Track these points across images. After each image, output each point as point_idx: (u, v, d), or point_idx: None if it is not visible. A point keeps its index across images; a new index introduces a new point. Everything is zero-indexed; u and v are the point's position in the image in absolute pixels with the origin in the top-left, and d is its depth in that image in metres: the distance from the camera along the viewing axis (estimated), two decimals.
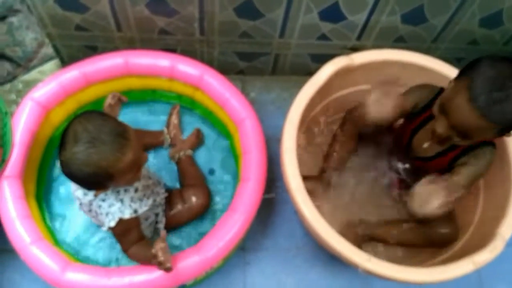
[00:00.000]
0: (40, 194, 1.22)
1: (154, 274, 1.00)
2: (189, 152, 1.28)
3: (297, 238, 1.28)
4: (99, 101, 1.28)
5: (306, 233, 1.28)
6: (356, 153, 1.27)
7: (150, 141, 1.30)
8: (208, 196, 1.22)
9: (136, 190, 1.03)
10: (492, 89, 0.85)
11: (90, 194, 1.00)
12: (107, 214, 0.99)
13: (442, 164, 1.08)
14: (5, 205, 1.04)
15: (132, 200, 1.01)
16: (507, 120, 0.87)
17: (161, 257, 0.93)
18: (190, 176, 1.25)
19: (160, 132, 1.31)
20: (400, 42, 1.34)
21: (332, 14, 1.22)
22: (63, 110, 1.23)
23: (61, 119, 1.24)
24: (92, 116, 0.89)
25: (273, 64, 1.44)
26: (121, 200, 0.99)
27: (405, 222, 1.21)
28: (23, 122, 1.11)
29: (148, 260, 0.96)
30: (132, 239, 1.02)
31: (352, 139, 1.24)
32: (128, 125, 0.92)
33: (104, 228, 1.01)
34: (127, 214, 0.99)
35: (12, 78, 1.39)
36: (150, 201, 1.07)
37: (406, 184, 1.22)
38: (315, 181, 1.23)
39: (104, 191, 0.98)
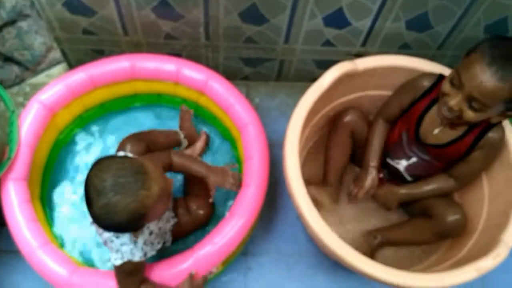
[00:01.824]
0: (44, 196, 1.22)
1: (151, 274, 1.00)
2: (198, 158, 1.28)
3: (300, 244, 1.28)
4: (105, 104, 1.30)
5: (309, 239, 1.27)
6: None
7: (168, 141, 1.28)
8: (213, 207, 1.22)
9: (150, 233, 1.02)
10: (507, 53, 0.92)
11: None
12: (117, 251, 0.95)
13: (459, 150, 1.08)
14: (12, 209, 1.05)
15: (145, 243, 0.99)
16: None
17: None
18: (196, 185, 1.24)
19: (175, 131, 1.30)
20: (405, 49, 1.34)
21: (337, 20, 1.22)
22: (69, 112, 1.24)
23: (67, 121, 1.26)
24: (104, 165, 0.85)
25: (278, 70, 1.44)
26: (135, 242, 0.96)
27: (412, 220, 1.22)
28: (29, 124, 1.12)
29: None
30: (135, 281, 0.98)
31: (346, 148, 1.26)
32: (142, 158, 0.90)
33: (109, 263, 0.98)
34: (137, 257, 0.96)
35: (20, 81, 1.41)
36: (159, 246, 1.06)
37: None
38: (322, 191, 1.26)
39: (141, 231, 0.95)
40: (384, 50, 1.33)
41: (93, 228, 1.06)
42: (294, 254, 1.27)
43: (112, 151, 1.29)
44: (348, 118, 1.23)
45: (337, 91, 1.19)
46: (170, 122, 1.36)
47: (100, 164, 0.85)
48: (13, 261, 1.19)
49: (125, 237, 0.95)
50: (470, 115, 0.97)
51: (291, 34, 1.27)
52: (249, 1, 1.15)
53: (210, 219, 1.21)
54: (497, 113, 0.98)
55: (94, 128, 1.34)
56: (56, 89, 1.17)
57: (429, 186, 1.17)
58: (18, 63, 1.38)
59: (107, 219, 0.83)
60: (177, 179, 1.29)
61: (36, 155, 1.15)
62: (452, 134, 1.08)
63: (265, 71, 1.44)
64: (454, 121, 1.02)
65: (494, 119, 1.00)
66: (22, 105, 1.36)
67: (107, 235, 0.96)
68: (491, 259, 0.97)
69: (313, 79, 1.14)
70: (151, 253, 1.02)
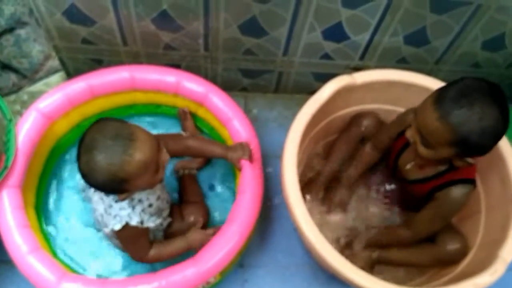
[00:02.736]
0: (39, 205, 1.21)
1: (151, 285, 0.99)
2: (194, 171, 1.29)
3: (297, 256, 1.27)
4: (103, 113, 1.29)
5: (306, 251, 1.27)
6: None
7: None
8: (207, 215, 1.22)
9: (150, 205, 1.04)
10: (458, 95, 0.88)
11: None
12: (115, 216, 0.99)
13: (422, 191, 1.09)
14: (4, 215, 1.04)
15: (143, 211, 1.01)
16: (466, 128, 0.87)
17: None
18: (191, 193, 1.26)
19: (179, 133, 1.31)
20: (403, 63, 1.35)
21: (335, 34, 1.23)
22: (67, 121, 1.23)
23: (65, 130, 1.25)
24: (100, 125, 0.90)
25: (276, 82, 1.45)
26: (133, 207, 1.00)
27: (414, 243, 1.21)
28: (25, 132, 1.11)
29: (176, 251, 1.05)
30: (143, 245, 1.04)
31: (352, 147, 1.26)
32: (136, 126, 0.92)
33: (107, 230, 1.01)
34: (134, 222, 0.99)
35: (17, 89, 1.40)
36: (158, 221, 1.07)
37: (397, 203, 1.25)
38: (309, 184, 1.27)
39: (127, 196, 0.96)
40: (382, 64, 1.34)
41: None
42: (290, 266, 1.26)
43: None
44: (365, 122, 1.23)
45: (335, 105, 1.19)
46: (167, 132, 1.35)
47: (97, 124, 0.90)
48: (7, 272, 1.18)
49: (124, 202, 0.98)
50: (421, 149, 0.96)
51: (290, 47, 1.28)
52: (249, 14, 1.16)
53: (205, 227, 1.21)
54: (450, 155, 0.95)
55: None
56: (55, 98, 1.16)
57: (388, 237, 1.19)
58: (15, 71, 1.38)
59: (90, 175, 0.88)
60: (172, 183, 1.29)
61: (32, 163, 1.14)
62: (419, 174, 1.08)
63: (264, 82, 1.45)
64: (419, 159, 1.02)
65: (456, 162, 0.98)
66: (20, 113, 1.35)
67: (107, 201, 0.99)
68: (488, 275, 0.97)
69: (311, 91, 1.15)
70: (148, 223, 1.02)
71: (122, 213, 0.98)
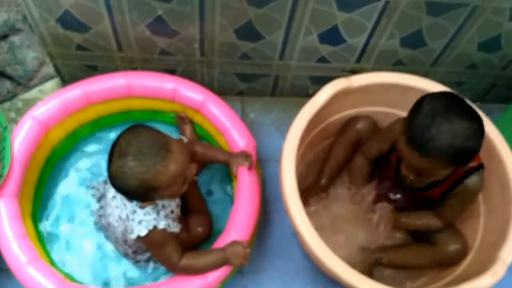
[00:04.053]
0: (36, 214, 1.20)
1: None
2: (195, 177, 1.28)
3: (296, 261, 1.27)
4: (99, 120, 1.29)
5: (305, 256, 1.27)
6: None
7: None
8: (211, 226, 1.22)
9: (172, 212, 1.04)
10: (424, 128, 0.89)
11: None
12: (140, 222, 0.97)
13: (433, 195, 1.10)
14: (1, 225, 1.03)
15: (166, 216, 1.01)
16: (446, 153, 0.90)
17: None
18: (194, 202, 1.24)
19: (179, 138, 1.31)
20: (399, 66, 1.35)
21: (332, 37, 1.23)
22: (63, 128, 1.23)
23: (60, 137, 1.24)
24: (136, 130, 0.91)
25: (273, 85, 1.44)
26: (157, 212, 0.99)
27: (413, 244, 1.23)
28: (21, 141, 1.10)
29: (211, 264, 1.00)
30: (174, 249, 1.01)
31: (349, 151, 1.26)
32: (172, 138, 0.93)
33: (133, 236, 0.98)
34: (162, 225, 0.98)
35: (12, 96, 1.39)
36: (177, 229, 1.05)
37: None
38: (308, 190, 1.26)
39: (150, 204, 0.97)
40: (378, 66, 1.34)
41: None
42: (291, 271, 1.26)
43: (104, 166, 1.27)
44: (359, 126, 1.24)
45: (332, 108, 1.19)
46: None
47: (133, 129, 0.91)
48: (3, 280, 1.16)
49: (148, 208, 0.98)
50: (421, 180, 1.00)
51: (286, 51, 1.28)
52: (245, 19, 1.15)
53: (209, 237, 1.20)
54: (450, 171, 0.98)
55: (87, 144, 1.32)
56: (51, 105, 1.16)
57: (421, 221, 1.18)
58: (10, 78, 1.37)
59: (120, 179, 0.89)
60: None
61: (28, 172, 1.13)
62: (425, 181, 1.08)
63: (260, 86, 1.44)
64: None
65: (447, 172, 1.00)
66: (15, 121, 1.34)
67: (130, 207, 0.98)
68: (489, 276, 0.97)
69: (308, 94, 1.15)
70: (173, 228, 1.02)
71: (147, 218, 0.97)
